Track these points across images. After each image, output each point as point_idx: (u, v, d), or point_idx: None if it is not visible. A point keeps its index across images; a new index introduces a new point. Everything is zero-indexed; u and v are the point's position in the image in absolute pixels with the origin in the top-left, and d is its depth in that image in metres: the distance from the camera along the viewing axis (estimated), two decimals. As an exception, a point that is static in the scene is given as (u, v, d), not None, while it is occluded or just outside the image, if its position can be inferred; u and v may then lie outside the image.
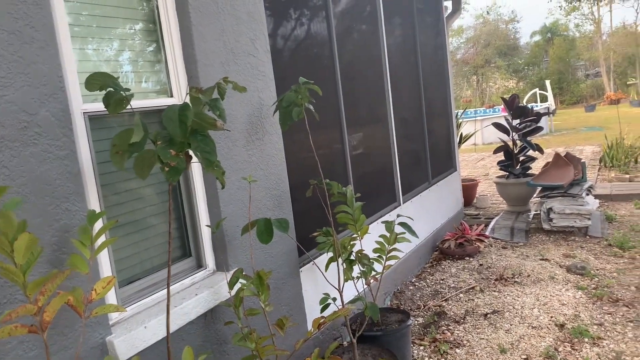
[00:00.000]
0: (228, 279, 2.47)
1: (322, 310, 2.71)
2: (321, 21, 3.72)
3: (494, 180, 6.64)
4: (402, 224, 3.02)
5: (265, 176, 2.86)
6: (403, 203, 4.80)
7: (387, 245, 3.22)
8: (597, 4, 40.36)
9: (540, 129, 6.38)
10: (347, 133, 3.93)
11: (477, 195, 7.12)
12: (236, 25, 2.72)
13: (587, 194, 5.76)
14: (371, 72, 4.41)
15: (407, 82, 5.17)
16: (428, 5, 5.80)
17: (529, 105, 21.07)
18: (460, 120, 7.74)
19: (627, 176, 7.82)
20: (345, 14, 4.05)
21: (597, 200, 6.00)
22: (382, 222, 3.22)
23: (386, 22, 4.62)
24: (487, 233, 5.71)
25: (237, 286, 2.47)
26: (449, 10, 6.48)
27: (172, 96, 2.46)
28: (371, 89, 4.41)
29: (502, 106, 28.42)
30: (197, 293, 2.39)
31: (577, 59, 45.04)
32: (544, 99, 24.70)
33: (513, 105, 6.35)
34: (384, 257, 3.21)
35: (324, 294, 2.83)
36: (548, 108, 22.10)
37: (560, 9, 41.49)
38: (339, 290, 2.81)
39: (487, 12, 45.92)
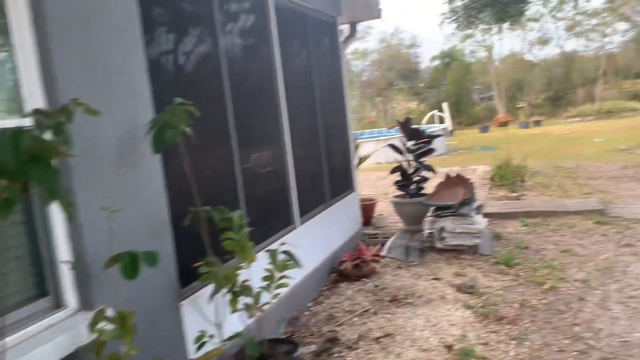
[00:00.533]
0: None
1: (198, 349, 2.52)
2: (209, 40, 3.57)
3: (391, 200, 6.78)
4: (285, 252, 2.91)
5: (140, 203, 2.63)
6: (300, 225, 4.71)
7: (276, 273, 3.10)
8: (489, 32, 43.53)
9: (432, 150, 6.63)
10: (238, 155, 3.78)
11: (376, 215, 7.23)
12: (106, 40, 2.50)
13: (477, 213, 6.01)
14: (264, 94, 4.32)
15: (303, 103, 5.14)
16: (323, 29, 5.84)
17: (424, 128, 22.02)
18: (358, 142, 7.85)
19: (515, 195, 8.33)
20: (236, 35, 3.93)
21: (486, 219, 6.28)
22: (266, 251, 3.10)
23: (281, 43, 4.56)
24: (383, 253, 5.77)
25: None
26: (346, 34, 6.58)
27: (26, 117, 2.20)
28: (265, 111, 4.31)
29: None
30: (54, 337, 2.12)
31: (472, 82, 48.19)
32: (442, 120, 26.06)
33: (407, 128, 6.54)
34: (273, 285, 3.08)
35: (199, 331, 2.64)
36: (445, 129, 23.31)
37: (453, 35, 44.18)
38: (217, 325, 2.64)
39: (391, 37, 47.99)
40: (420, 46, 48.72)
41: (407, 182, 6.59)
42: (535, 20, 41.95)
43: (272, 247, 3.52)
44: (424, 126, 25.62)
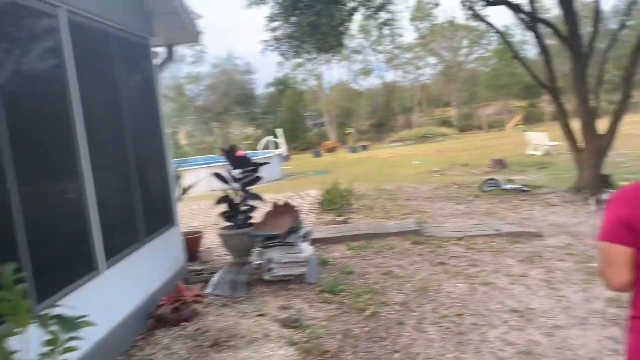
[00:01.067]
0: None
1: None
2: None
3: (217, 232, 6.45)
4: (58, 317, 2.43)
5: None
6: (107, 269, 4.14)
7: (61, 336, 2.58)
8: (317, 62, 45.84)
9: (259, 178, 6.48)
10: (17, 192, 3.16)
11: (203, 249, 6.82)
12: None
13: (304, 241, 5.96)
14: (56, 121, 3.73)
15: (109, 130, 4.60)
16: (133, 50, 5.36)
17: (259, 153, 22.07)
18: (183, 170, 7.40)
19: (342, 218, 8.55)
20: (18, 56, 3.33)
21: (312, 247, 6.26)
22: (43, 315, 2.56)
23: (77, 65, 4.00)
24: (208, 290, 5.40)
25: None
26: (163, 57, 6.17)
27: None
28: (56, 140, 3.72)
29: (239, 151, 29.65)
30: None
31: (305, 109, 50.19)
32: (277, 145, 26.49)
33: (232, 156, 6.31)
34: (57, 351, 2.55)
35: None
36: (280, 154, 23.68)
37: (282, 64, 45.76)
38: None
39: (225, 62, 47.94)
40: (255, 72, 49.01)
41: (234, 212, 6.32)
42: (358, 52, 45.36)
43: (67, 300, 2.96)
44: (260, 152, 25.81)
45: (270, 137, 25.71)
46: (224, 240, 6.33)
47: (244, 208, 6.44)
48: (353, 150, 35.85)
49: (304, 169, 26.17)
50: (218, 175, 6.26)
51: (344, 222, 8.46)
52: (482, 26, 44.67)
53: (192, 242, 6.59)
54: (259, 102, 50.77)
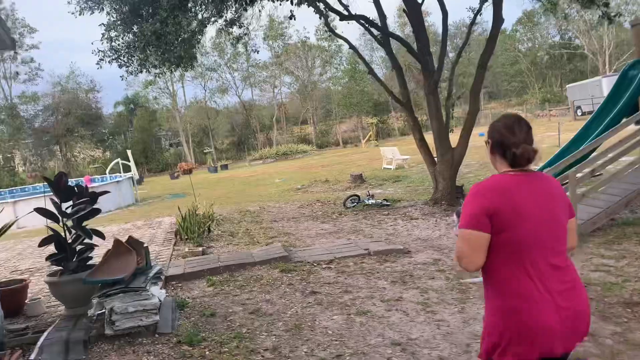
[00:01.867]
0: None
1: None
2: None
3: (44, 280, 5.26)
4: None
5: None
6: None
7: None
8: (171, 80, 43.93)
9: (97, 211, 5.42)
10: None
11: (29, 301, 5.54)
12: None
13: (155, 283, 5.07)
14: None
15: None
16: None
17: (107, 177, 20.05)
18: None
19: (201, 249, 7.70)
20: None
21: (164, 290, 5.36)
22: None
23: None
24: (32, 357, 4.27)
25: None
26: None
27: None
28: None
29: (86, 177, 26.88)
30: None
31: (159, 129, 47.69)
32: (127, 168, 24.46)
33: (60, 186, 5.19)
34: None
35: None
36: (131, 178, 21.85)
37: (129, 83, 43.19)
38: None
39: (67, 80, 43.80)
40: (101, 91, 45.49)
41: (66, 254, 5.19)
42: (214, 70, 44.37)
43: None
44: (108, 176, 23.60)
45: (119, 160, 23.62)
46: (53, 289, 5.17)
47: (79, 248, 5.34)
48: (213, 170, 34.69)
49: (160, 191, 24.49)
50: (42, 210, 5.10)
51: (204, 252, 7.62)
52: (333, 46, 46.58)
53: (13, 295, 5.30)
54: (107, 123, 47.17)
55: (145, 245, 5.18)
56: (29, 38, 41.03)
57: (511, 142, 2.09)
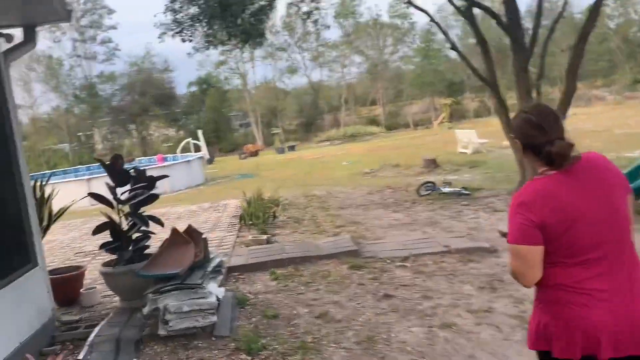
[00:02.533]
0: None
1: None
2: None
3: (99, 270, 4.94)
4: None
5: None
6: None
7: None
8: (242, 60, 44.14)
9: (155, 197, 5.04)
10: None
11: (84, 290, 5.27)
12: None
13: (213, 277, 4.61)
14: None
15: None
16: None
17: (179, 157, 20.20)
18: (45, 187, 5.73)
19: (265, 237, 7.23)
20: None
21: (223, 288, 4.87)
22: None
23: None
24: (81, 356, 3.94)
25: None
26: (14, 41, 4.59)
27: None
28: None
29: (158, 155, 27.45)
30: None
31: (229, 109, 48.25)
32: (198, 148, 24.68)
33: (116, 170, 4.83)
34: None
35: None
36: (202, 157, 21.99)
37: (191, 57, 43.80)
38: None
39: (142, 61, 45.03)
40: (174, 71, 46.40)
41: (121, 243, 4.84)
42: (283, 50, 44.08)
43: None
44: (179, 155, 23.92)
45: (190, 139, 23.82)
46: (108, 280, 4.85)
47: (135, 236, 4.98)
48: (281, 151, 34.57)
49: (229, 171, 24.57)
50: (95, 196, 4.77)
51: (268, 241, 7.15)
52: (406, 24, 44.99)
53: (69, 283, 5.05)
54: (180, 103, 48.19)
55: (204, 236, 4.72)
56: (108, 19, 42.37)
57: (544, 141, 1.87)
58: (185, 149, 24.43)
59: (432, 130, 38.36)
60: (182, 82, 78.10)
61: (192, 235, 4.81)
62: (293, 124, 50.35)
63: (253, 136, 44.90)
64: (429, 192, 10.59)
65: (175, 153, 26.43)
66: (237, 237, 7.62)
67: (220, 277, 4.85)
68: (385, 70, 48.45)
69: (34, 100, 42.08)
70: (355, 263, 5.83)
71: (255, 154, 13.91)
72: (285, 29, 42.97)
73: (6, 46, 4.41)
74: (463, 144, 20.21)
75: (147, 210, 5.13)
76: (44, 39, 41.66)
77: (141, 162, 26.14)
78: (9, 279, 3.93)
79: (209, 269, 4.53)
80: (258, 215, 8.20)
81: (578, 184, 1.86)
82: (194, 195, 15.89)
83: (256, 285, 5.47)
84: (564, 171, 1.87)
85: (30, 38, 4.72)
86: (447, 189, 10.43)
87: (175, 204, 12.55)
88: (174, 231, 4.77)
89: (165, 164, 20.13)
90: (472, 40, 45.32)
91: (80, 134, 44.28)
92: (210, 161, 31.68)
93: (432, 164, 15.85)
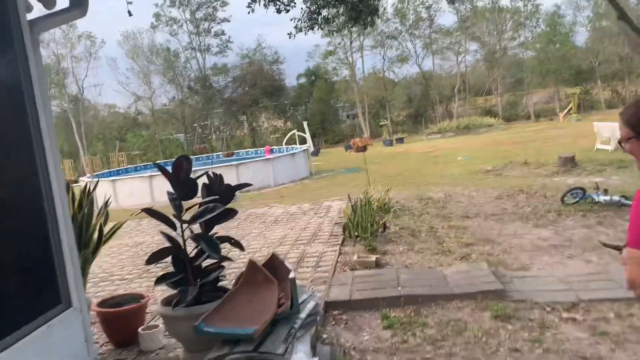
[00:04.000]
0: None
1: None
2: None
3: (158, 311, 3.78)
4: None
5: None
6: None
7: None
8: (350, 50, 42.87)
9: (232, 213, 3.79)
10: None
11: (145, 327, 4.16)
12: None
13: (303, 335, 3.24)
14: None
15: None
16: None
17: (285, 149, 19.12)
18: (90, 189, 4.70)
19: (374, 258, 5.76)
20: None
21: (315, 347, 3.50)
22: None
23: None
24: None
25: None
26: (57, 6, 3.51)
27: None
28: None
29: (267, 147, 27.03)
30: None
31: (337, 100, 47.29)
32: (303, 140, 23.78)
33: (179, 177, 3.61)
34: None
35: None
36: (307, 149, 21.03)
37: (311, 56, 43.16)
38: None
39: (253, 53, 45.41)
40: (284, 62, 46.28)
41: (185, 274, 3.64)
42: (394, 37, 42.11)
43: None
44: (284, 147, 23.20)
45: (295, 131, 22.97)
46: (167, 324, 3.67)
47: (205, 265, 3.75)
48: (389, 143, 32.92)
49: (335, 164, 23.42)
50: (151, 212, 3.58)
51: (378, 263, 5.68)
52: (530, 6, 40.99)
53: (123, 320, 3.97)
54: (289, 94, 48.11)
55: (292, 275, 3.35)
56: (221, 12, 43.12)
57: None
58: (291, 141, 23.64)
59: (558, 122, 34.48)
60: (292, 74, 78.80)
61: (276, 270, 3.48)
62: (401, 115, 48.24)
63: (360, 128, 43.55)
64: (577, 200, 8.51)
65: (280, 145, 25.85)
66: (340, 253, 6.23)
67: (313, 329, 3.47)
68: (504, 57, 44.66)
69: (153, 92, 43.93)
70: (501, 310, 4.18)
71: (363, 149, 12.75)
72: (396, 15, 40.98)
73: (31, 15, 3.32)
74: (603, 139, 17.27)
75: (242, 215, 3.89)
76: (162, 32, 43.54)
77: (248, 153, 25.89)
78: (30, 327, 2.86)
79: (297, 324, 3.17)
80: (365, 227, 6.76)
81: None
82: (296, 190, 14.86)
83: (363, 336, 4.04)
84: None
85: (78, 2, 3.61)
86: (601, 197, 8.28)
87: (274, 203, 11.52)
88: (252, 265, 3.45)
89: (272, 156, 19.40)
90: (605, 23, 40.21)
91: (195, 124, 45.70)
92: (315, 153, 30.85)
93: (570, 163, 13.41)
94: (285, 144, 22.81)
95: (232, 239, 3.90)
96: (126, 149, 42.20)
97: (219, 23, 43.41)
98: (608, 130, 17.17)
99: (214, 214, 3.59)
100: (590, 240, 6.28)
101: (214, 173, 3.95)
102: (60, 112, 43.64)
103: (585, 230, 6.81)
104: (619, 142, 1.93)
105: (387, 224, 7.24)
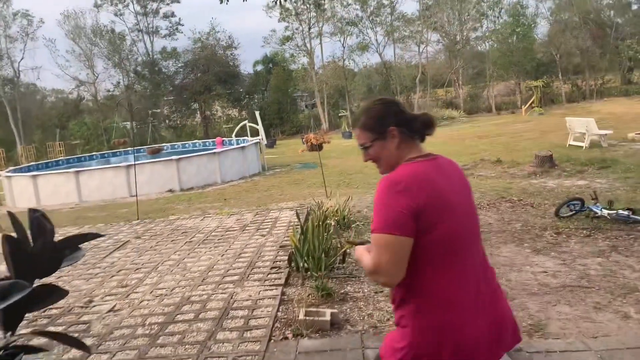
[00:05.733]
0: None
1: None
2: None
3: None
4: None
5: None
6: None
7: None
8: (309, 36, 40.95)
9: (55, 295, 2.01)
10: None
11: None
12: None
13: None
14: None
15: None
16: None
17: (235, 140, 16.92)
18: None
19: (328, 315, 4.00)
20: None
21: None
22: None
23: None
24: None
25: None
26: None
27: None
28: None
29: (217, 138, 24.89)
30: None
31: (295, 89, 45.37)
32: (256, 132, 21.83)
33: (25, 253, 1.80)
34: None
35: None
36: (259, 142, 19.14)
37: (267, 41, 41.00)
38: None
39: (207, 37, 42.81)
40: (238, 48, 43.85)
41: None
42: (354, 24, 40.42)
43: None
44: (234, 140, 21.22)
45: (247, 122, 21.02)
46: None
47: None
48: (348, 135, 31.30)
49: (290, 158, 21.63)
50: None
51: (334, 322, 3.95)
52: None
53: None
54: (244, 82, 45.75)
55: None
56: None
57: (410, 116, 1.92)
58: (240, 133, 21.65)
59: (520, 115, 33.72)
60: (248, 61, 76.18)
61: None
62: (361, 106, 46.78)
63: (318, 118, 41.79)
64: (574, 212, 7.07)
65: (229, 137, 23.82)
66: (281, 301, 4.46)
67: None
68: (465, 48, 43.74)
69: (97, 77, 40.85)
70: None
71: (318, 147, 11.18)
72: (357, 1, 39.28)
73: None
74: (575, 135, 16.18)
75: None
76: (107, 11, 40.45)
77: (196, 145, 23.71)
78: None
79: None
80: (317, 257, 5.02)
81: (446, 174, 1.81)
82: (244, 190, 13.01)
83: None
84: (432, 159, 1.83)
85: None
86: (605, 211, 6.83)
87: (212, 208, 9.67)
88: None
89: (220, 150, 17.47)
90: (566, 15, 39.78)
91: (142, 112, 42.89)
92: (270, 145, 28.95)
93: (548, 162, 12.09)
94: (236, 135, 20.81)
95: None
96: (68, 138, 39.14)
97: (168, 4, 40.65)
98: (581, 125, 16.06)
99: (6, 303, 1.77)
100: (613, 276, 4.76)
101: (36, 217, 2.11)
102: (-6, 95, 40.10)
103: (599, 259, 5.29)
104: (363, 148, 1.96)
105: (348, 251, 5.52)
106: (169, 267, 5.59)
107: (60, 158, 23.10)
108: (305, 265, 5.07)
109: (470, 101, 42.97)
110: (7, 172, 16.77)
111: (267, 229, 7.15)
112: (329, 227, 5.54)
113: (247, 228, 7.37)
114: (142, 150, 21.28)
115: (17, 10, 38.23)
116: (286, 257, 5.60)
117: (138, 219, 9.34)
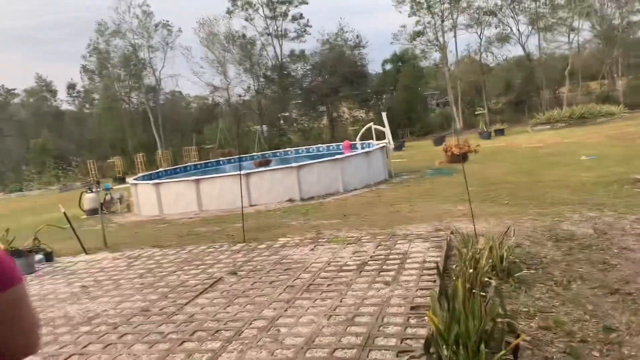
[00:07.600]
0: None
1: None
2: None
3: None
4: None
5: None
6: None
7: None
8: (442, 29, 38.20)
9: None
10: None
11: None
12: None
13: None
14: None
15: None
16: None
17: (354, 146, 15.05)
18: None
19: None
20: None
21: None
22: None
23: None
24: None
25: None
26: None
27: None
28: None
29: (345, 142, 23.47)
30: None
31: (425, 87, 42.74)
32: (382, 135, 19.98)
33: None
34: None
35: None
36: (385, 146, 17.23)
37: (397, 38, 38.75)
38: None
39: (335, 37, 41.93)
40: (366, 47, 42.33)
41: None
42: (493, 13, 36.84)
43: None
44: (358, 143, 19.65)
45: (372, 124, 19.21)
46: None
47: None
48: (486, 135, 28.22)
49: (420, 162, 19.45)
50: None
51: None
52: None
53: None
54: (372, 82, 44.11)
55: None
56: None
57: None
58: (365, 136, 19.95)
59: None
60: (376, 61, 74.45)
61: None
62: (500, 103, 42.72)
63: (450, 117, 38.79)
64: None
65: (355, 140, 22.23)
66: None
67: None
68: (625, 34, 37.87)
69: (229, 82, 41.94)
70: None
71: (462, 157, 9.33)
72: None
73: None
74: None
75: None
76: (238, 17, 41.29)
77: (320, 150, 22.53)
78: None
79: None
80: (472, 348, 3.07)
81: None
82: (367, 202, 11.28)
83: None
84: None
85: None
86: None
87: (327, 229, 8.04)
88: None
89: (353, 152, 15.96)
90: None
91: (272, 115, 43.25)
92: (399, 147, 26.96)
93: None
94: (360, 138, 19.17)
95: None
96: (204, 142, 40.67)
97: (296, 6, 40.37)
98: None
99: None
100: None
101: None
102: (138, 103, 42.92)
103: None
104: None
105: (522, 333, 3.46)
106: (256, 334, 4.00)
107: (188, 164, 23.19)
108: (453, 357, 3.14)
109: (633, 94, 37.03)
110: (135, 179, 16.76)
111: (392, 272, 5.27)
112: (488, 289, 3.54)
113: (366, 267, 5.57)
114: (245, 159, 19.94)
115: (159, 21, 40.44)
116: (419, 329, 3.72)
117: (244, 242, 8.03)
